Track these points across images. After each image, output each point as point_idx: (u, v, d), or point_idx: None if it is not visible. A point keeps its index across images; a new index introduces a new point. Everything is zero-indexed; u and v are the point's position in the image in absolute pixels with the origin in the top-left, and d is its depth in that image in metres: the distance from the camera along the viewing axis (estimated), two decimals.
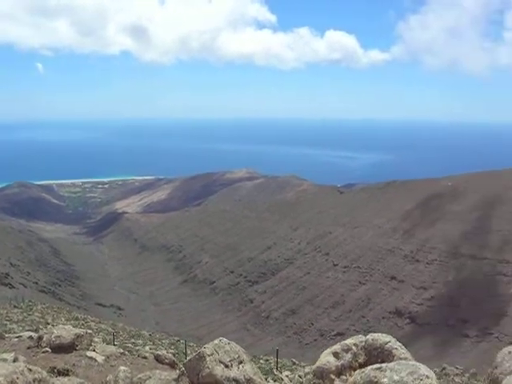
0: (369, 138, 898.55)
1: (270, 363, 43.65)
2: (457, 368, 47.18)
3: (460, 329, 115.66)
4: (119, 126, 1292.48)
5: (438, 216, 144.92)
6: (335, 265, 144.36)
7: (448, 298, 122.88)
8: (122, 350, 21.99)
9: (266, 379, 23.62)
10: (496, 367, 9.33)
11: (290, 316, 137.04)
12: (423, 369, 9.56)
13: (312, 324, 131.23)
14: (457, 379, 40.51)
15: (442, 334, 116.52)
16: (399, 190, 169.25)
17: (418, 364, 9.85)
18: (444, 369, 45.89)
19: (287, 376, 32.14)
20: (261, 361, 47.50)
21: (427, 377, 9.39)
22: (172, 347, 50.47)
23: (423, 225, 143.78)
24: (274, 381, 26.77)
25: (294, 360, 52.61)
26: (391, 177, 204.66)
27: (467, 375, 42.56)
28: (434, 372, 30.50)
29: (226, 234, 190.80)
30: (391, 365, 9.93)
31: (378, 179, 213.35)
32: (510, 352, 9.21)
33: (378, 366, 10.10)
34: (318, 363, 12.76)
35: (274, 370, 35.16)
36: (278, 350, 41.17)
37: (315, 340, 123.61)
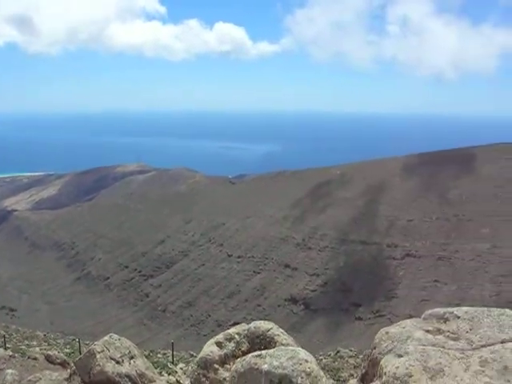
0: (259, 129, 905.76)
1: (168, 357, 43.08)
2: (351, 350, 48.17)
3: (353, 312, 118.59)
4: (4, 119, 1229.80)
5: (327, 203, 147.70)
6: (229, 255, 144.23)
7: (340, 283, 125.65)
8: (11, 353, 21.05)
9: (160, 373, 23.10)
10: (375, 347, 9.32)
11: (186, 308, 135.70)
12: (302, 353, 9.53)
13: (209, 315, 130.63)
14: (351, 361, 41.45)
15: (336, 318, 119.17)
16: (290, 180, 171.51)
17: (297, 349, 9.81)
18: (338, 351, 46.78)
19: (181, 368, 31.83)
20: (158, 355, 46.74)
21: (306, 361, 9.36)
22: (67, 346, 48.65)
23: (314, 213, 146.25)
24: (169, 374, 26.34)
25: (191, 352, 52.22)
26: (282, 167, 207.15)
27: (361, 356, 43.62)
28: (329, 355, 31.03)
29: (119, 229, 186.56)
30: (271, 351, 9.86)
31: (269, 169, 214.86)
32: (387, 332, 9.21)
33: (258, 353, 10.01)
34: (201, 354, 12.59)
35: (169, 364, 34.80)
36: (173, 343, 40.49)
37: (213, 331, 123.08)
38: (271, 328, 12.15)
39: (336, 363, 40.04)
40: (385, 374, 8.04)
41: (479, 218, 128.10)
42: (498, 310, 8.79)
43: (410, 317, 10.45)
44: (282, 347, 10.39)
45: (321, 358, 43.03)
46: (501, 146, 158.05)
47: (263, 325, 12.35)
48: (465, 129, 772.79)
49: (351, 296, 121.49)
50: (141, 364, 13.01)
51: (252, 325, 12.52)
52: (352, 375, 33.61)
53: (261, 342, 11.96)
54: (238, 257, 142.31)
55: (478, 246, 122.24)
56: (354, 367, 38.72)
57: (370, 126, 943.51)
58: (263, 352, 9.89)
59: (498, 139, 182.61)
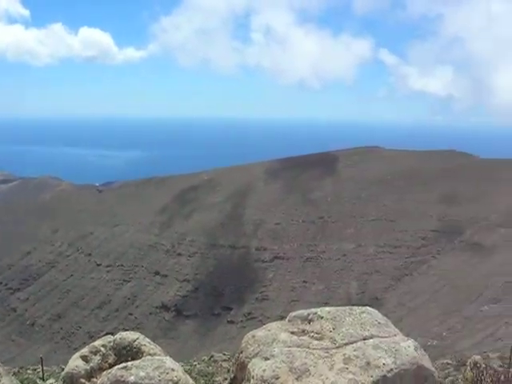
0: (126, 135, 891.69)
1: (38, 372, 41.53)
2: (224, 354, 48.44)
3: (225, 316, 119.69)
4: None
5: (195, 208, 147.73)
6: (98, 265, 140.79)
7: (211, 287, 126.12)
8: None
9: None
10: (242, 352, 9.36)
11: (56, 321, 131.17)
12: (169, 362, 9.49)
13: (80, 327, 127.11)
14: (225, 364, 41.62)
15: (209, 323, 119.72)
16: (158, 186, 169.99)
17: (164, 358, 9.75)
18: (212, 356, 46.92)
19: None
20: (28, 371, 44.89)
21: (173, 370, 9.34)
22: None
23: (182, 218, 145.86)
24: None
25: (62, 366, 50.56)
26: (149, 173, 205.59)
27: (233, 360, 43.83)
28: (203, 360, 30.92)
29: None
30: (137, 362, 9.74)
31: (135, 176, 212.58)
32: (253, 336, 9.26)
33: (124, 364, 9.85)
34: (66, 369, 12.18)
35: (38, 380, 33.58)
36: (42, 358, 39.12)
37: (84, 343, 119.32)
38: (137, 338, 11.91)
39: (210, 368, 40.03)
40: (252, 377, 8.08)
41: (343, 219, 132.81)
42: (360, 308, 9.06)
43: (281, 318, 10.57)
44: (149, 357, 10.26)
45: (195, 363, 42.87)
46: (361, 150, 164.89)
47: (129, 335, 12.08)
48: (327, 133, 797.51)
49: (222, 300, 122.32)
50: (8, 383, 12.36)
51: (118, 336, 12.20)
52: (226, 379, 33.76)
53: (127, 353, 11.69)
54: (107, 266, 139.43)
55: (344, 246, 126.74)
56: (228, 371, 38.86)
57: (236, 131, 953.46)
58: (129, 364, 9.73)
59: (358, 143, 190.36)
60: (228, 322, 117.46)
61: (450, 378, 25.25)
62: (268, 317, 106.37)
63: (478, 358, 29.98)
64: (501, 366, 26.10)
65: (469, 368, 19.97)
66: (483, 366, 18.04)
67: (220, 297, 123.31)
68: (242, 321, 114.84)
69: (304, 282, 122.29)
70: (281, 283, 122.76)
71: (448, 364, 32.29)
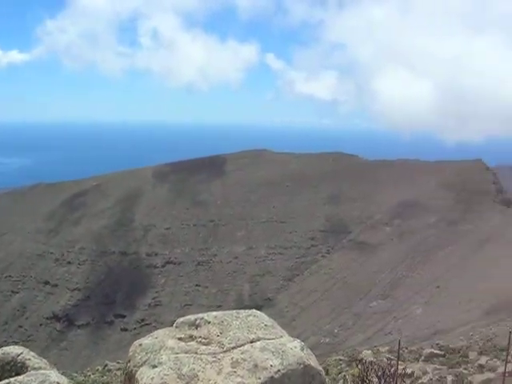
0: (10, 141, 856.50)
1: None
2: (118, 362, 47.64)
3: (119, 324, 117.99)
4: None
5: (84, 215, 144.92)
6: None
7: (103, 295, 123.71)
8: None
9: None
10: (129, 361, 9.19)
11: None
12: (54, 376, 9.21)
13: None
14: (119, 373, 40.95)
15: (102, 332, 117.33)
16: (45, 193, 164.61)
17: (48, 372, 9.46)
18: (106, 365, 46.05)
19: None
20: None
21: (58, 383, 8.99)
22: None
23: (70, 226, 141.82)
24: None
25: None
26: (36, 179, 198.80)
27: None
28: (97, 370, 30.05)
29: None
30: (20, 378, 9.40)
31: (24, 183, 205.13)
32: (140, 344, 9.12)
33: (6, 381, 9.47)
34: None
35: None
36: None
37: None
38: (21, 353, 11.45)
39: (105, 377, 39.21)
40: None
41: (234, 222, 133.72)
42: (246, 311, 9.10)
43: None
44: (33, 372, 9.90)
45: (89, 373, 41.90)
46: (250, 153, 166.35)
47: (13, 350, 11.57)
48: (216, 136, 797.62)
49: (115, 308, 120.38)
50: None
51: (0, 351, 11.72)
52: None
53: (11, 368, 11.22)
54: None
55: (235, 248, 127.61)
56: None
57: (125, 134, 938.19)
58: (12, 379, 9.35)
59: (247, 146, 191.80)
60: (121, 329, 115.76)
61: (343, 373, 25.83)
62: (162, 322, 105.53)
63: (368, 352, 30.91)
64: (390, 359, 27.00)
65: (355, 364, 20.60)
66: (369, 361, 18.63)
67: (112, 304, 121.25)
68: (135, 328, 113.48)
69: (197, 285, 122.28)
70: (173, 288, 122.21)
71: (340, 360, 33.03)
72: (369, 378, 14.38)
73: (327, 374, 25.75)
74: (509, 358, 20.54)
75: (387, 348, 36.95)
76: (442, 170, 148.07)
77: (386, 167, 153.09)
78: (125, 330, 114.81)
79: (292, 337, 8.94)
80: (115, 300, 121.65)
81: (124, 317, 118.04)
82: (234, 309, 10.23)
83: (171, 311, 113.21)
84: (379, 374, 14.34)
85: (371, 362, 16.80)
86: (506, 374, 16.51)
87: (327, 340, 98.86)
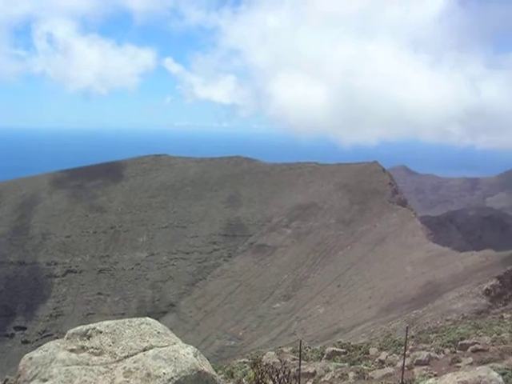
0: None
1: None
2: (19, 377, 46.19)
3: (20, 336, 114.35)
4: None
5: None
6: None
7: (2, 307, 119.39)
8: None
9: None
10: (19, 375, 8.80)
11: None
12: None
13: None
14: None
15: (3, 345, 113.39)
16: None
17: None
18: (7, 380, 44.62)
19: None
20: None
21: None
22: None
23: None
24: None
25: None
26: None
27: None
28: None
29: None
30: None
31: None
32: (30, 358, 8.74)
33: None
34: None
35: None
36: None
37: None
38: None
39: None
40: None
41: (135, 228, 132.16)
42: (139, 319, 8.91)
43: None
44: None
45: None
46: (150, 158, 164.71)
47: None
48: (114, 141, 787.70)
49: (15, 320, 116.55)
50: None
51: None
52: None
53: None
54: None
55: (137, 254, 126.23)
56: None
57: (20, 142, 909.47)
58: None
59: (146, 151, 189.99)
60: (23, 342, 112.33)
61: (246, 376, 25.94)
62: (64, 333, 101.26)
63: (272, 354, 31.13)
64: (294, 359, 27.36)
65: (250, 367, 20.69)
66: (265, 363, 18.80)
67: (12, 316, 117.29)
68: (37, 339, 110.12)
69: (99, 294, 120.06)
70: (75, 297, 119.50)
71: (245, 363, 33.11)
72: (264, 380, 14.47)
73: (232, 377, 25.81)
74: (407, 352, 21.24)
75: (291, 348, 37.43)
76: (339, 172, 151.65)
77: (285, 170, 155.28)
78: (26, 342, 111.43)
79: (197, 341, 8.91)
80: (15, 312, 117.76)
81: (25, 329, 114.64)
82: (138, 316, 10.05)
83: (73, 321, 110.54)
84: (273, 376, 14.47)
85: (266, 365, 16.92)
86: (405, 368, 17.07)
87: (232, 343, 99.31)
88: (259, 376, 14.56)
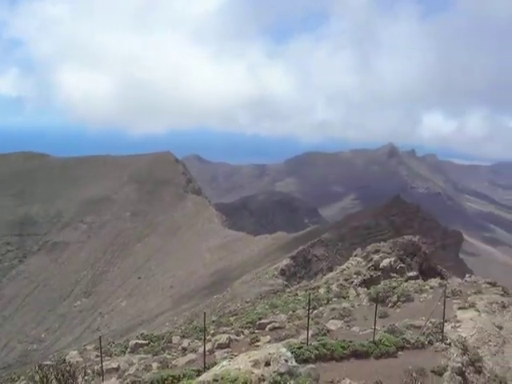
0: None
1: None
2: None
3: None
4: None
5: None
6: None
7: None
8: None
9: None
10: None
11: None
12: None
13: None
14: None
15: None
16: None
17: None
18: None
19: None
20: None
21: None
22: None
23: None
24: None
25: None
26: None
27: None
28: None
29: None
30: None
31: None
32: None
33: None
34: None
35: None
36: None
37: None
38: None
39: None
40: None
41: None
42: None
43: None
44: None
45: None
46: None
47: None
48: None
49: None
50: None
51: None
52: None
53: None
54: None
55: None
56: None
57: None
58: None
59: None
60: None
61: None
62: None
63: (74, 353, 31.02)
64: (98, 356, 27.42)
65: (34, 370, 20.65)
66: (48, 365, 19.15)
67: None
68: None
69: None
70: None
71: (51, 366, 32.57)
72: (50, 382, 14.88)
73: (35, 381, 25.43)
74: (208, 337, 22.47)
75: (94, 345, 37.25)
76: (133, 164, 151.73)
77: (78, 164, 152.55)
78: None
79: None
80: None
81: None
82: None
83: None
84: (60, 377, 14.88)
85: (50, 366, 17.24)
86: (207, 353, 17.98)
87: (35, 346, 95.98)
88: (44, 378, 14.95)
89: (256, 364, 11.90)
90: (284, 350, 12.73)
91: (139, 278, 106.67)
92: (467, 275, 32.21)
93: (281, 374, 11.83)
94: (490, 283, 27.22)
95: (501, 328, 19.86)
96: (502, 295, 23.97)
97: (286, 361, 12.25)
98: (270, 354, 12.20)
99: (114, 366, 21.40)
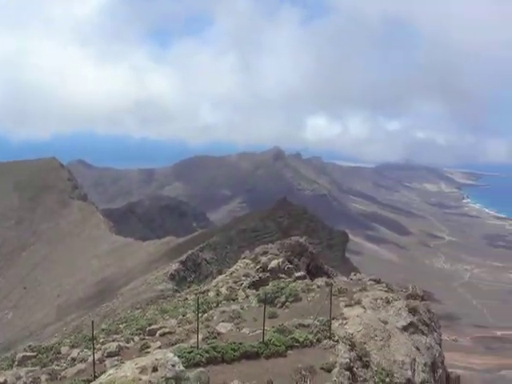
0: None
1: None
2: None
3: None
4: None
5: None
6: None
7: None
8: None
9: None
10: None
11: None
12: None
13: None
14: None
15: None
16: None
17: None
18: None
19: None
20: None
21: None
22: None
23: None
24: None
25: None
26: None
27: None
28: None
29: None
30: None
31: None
32: None
33: None
34: None
35: None
36: None
37: None
38: None
39: None
40: None
41: None
42: None
43: None
44: None
45: None
46: None
47: None
48: None
49: None
50: None
51: None
52: None
53: None
54: None
55: None
56: None
57: None
58: None
59: None
60: None
61: None
62: None
63: None
64: None
65: None
66: None
67: None
68: None
69: None
70: None
71: None
72: None
73: None
74: (98, 345, 22.46)
75: None
76: (16, 171, 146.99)
77: None
78: None
79: None
80: None
81: None
82: None
83: None
84: None
85: None
86: (97, 362, 17.99)
87: None
88: None
89: (143, 370, 12.16)
90: (171, 355, 13.05)
91: (25, 288, 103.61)
92: (353, 273, 33.84)
93: (168, 379, 12.14)
94: (374, 280, 28.90)
95: (386, 323, 21.27)
96: (386, 291, 25.52)
97: (174, 366, 12.54)
98: (157, 359, 12.49)
99: (1, 380, 20.98)
